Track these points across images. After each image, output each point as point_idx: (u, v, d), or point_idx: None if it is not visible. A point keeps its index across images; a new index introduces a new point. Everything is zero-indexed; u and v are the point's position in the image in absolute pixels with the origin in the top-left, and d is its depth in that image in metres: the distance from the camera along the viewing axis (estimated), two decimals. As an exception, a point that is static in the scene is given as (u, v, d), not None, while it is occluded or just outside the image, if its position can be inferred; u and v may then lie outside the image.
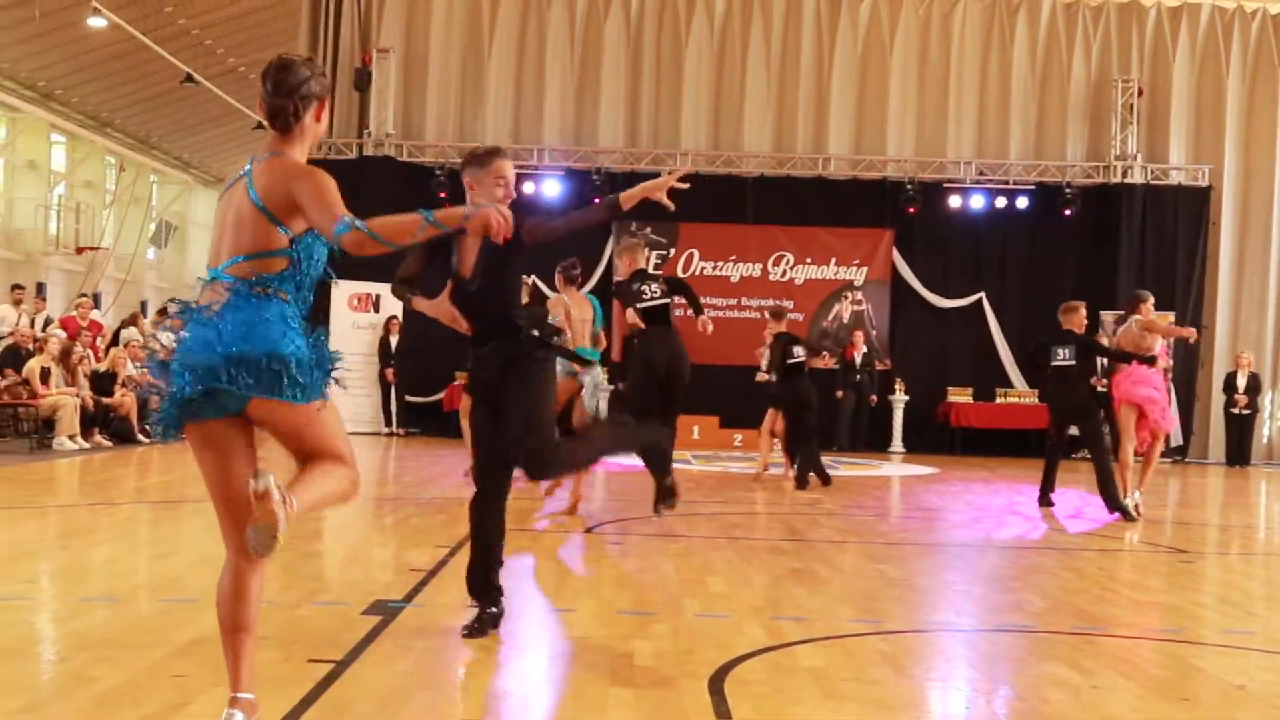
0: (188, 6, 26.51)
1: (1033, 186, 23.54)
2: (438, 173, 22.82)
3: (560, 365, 11.67)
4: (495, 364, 6.33)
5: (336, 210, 4.16)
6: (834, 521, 12.15)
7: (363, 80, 23.38)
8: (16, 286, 21.93)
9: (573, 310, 11.59)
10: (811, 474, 15.23)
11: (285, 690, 5.11)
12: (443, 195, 22.62)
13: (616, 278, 11.47)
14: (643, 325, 11.17)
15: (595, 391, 11.87)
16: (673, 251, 23.43)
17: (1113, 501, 12.89)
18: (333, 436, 4.38)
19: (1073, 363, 13.38)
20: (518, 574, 8.58)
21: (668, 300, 11.20)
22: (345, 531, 10.93)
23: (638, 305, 11.11)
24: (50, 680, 5.38)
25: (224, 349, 4.13)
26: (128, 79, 29.24)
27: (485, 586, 6.45)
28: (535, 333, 6.47)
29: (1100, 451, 13.05)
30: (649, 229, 23.42)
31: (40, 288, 26.37)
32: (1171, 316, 23.00)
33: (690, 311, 12.10)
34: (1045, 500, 13.88)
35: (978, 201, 23.46)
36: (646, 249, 11.67)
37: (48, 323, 21.28)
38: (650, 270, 11.83)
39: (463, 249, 6.34)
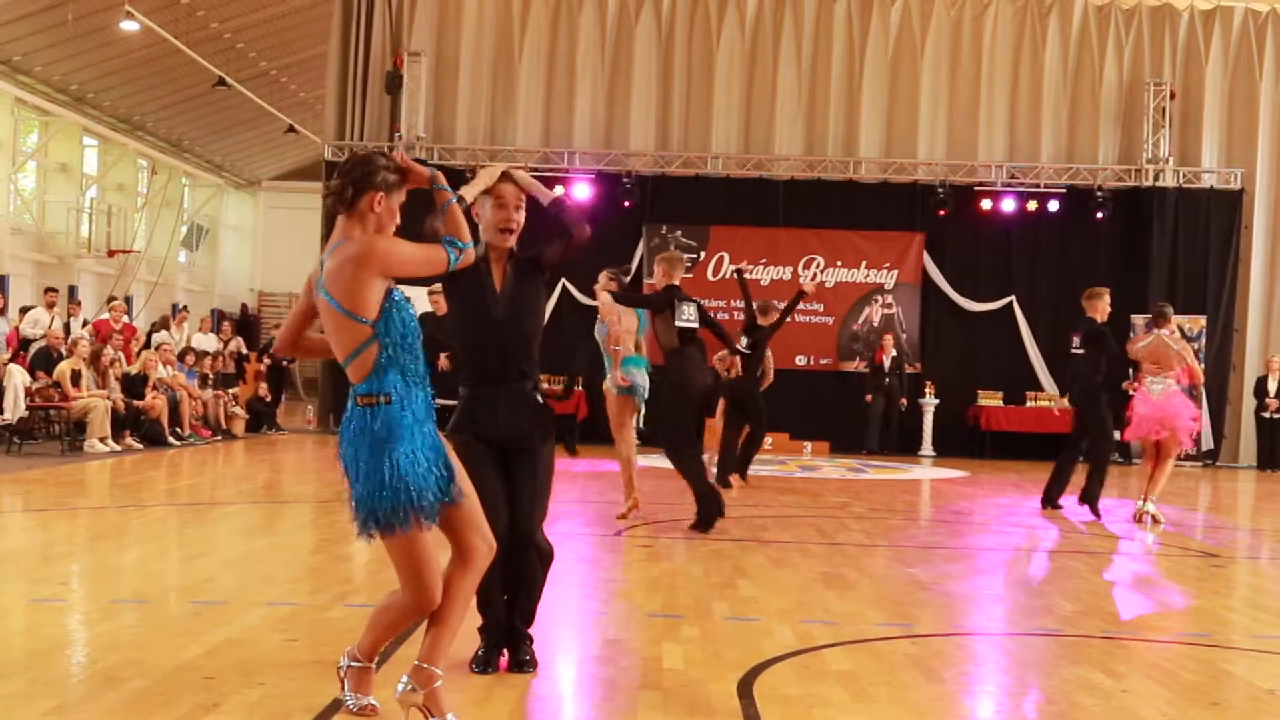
0: (220, 10, 26.61)
1: (1064, 190, 23.43)
2: (468, 176, 22.60)
3: (609, 381, 11.63)
4: (506, 430, 5.83)
5: (438, 264, 4.83)
6: (863, 525, 12.14)
7: (393, 83, 23.44)
8: (50, 289, 22.07)
9: (622, 318, 11.54)
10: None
11: (315, 693, 5.16)
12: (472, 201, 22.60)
13: (650, 283, 11.50)
14: (675, 343, 11.16)
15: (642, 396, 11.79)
16: (703, 255, 23.41)
17: (1086, 495, 13.29)
18: (468, 529, 4.93)
19: (1079, 351, 13.47)
20: (551, 576, 8.58)
21: (697, 326, 11.19)
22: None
23: (675, 323, 11.06)
24: (81, 682, 5.42)
25: (361, 508, 4.71)
26: (160, 82, 29.38)
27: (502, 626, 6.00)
28: (540, 398, 5.95)
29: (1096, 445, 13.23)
30: (679, 232, 23.43)
31: (72, 291, 26.52)
32: (1203, 321, 22.91)
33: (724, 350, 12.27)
34: (1051, 502, 13.99)
35: (1009, 204, 23.35)
36: (685, 264, 11.68)
37: (83, 324, 21.45)
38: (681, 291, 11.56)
39: (491, 271, 5.95)
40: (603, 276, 11.63)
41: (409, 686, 4.75)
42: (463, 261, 4.91)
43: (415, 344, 4.73)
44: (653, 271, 11.48)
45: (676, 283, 11.26)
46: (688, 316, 11.09)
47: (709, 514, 10.98)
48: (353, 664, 4.98)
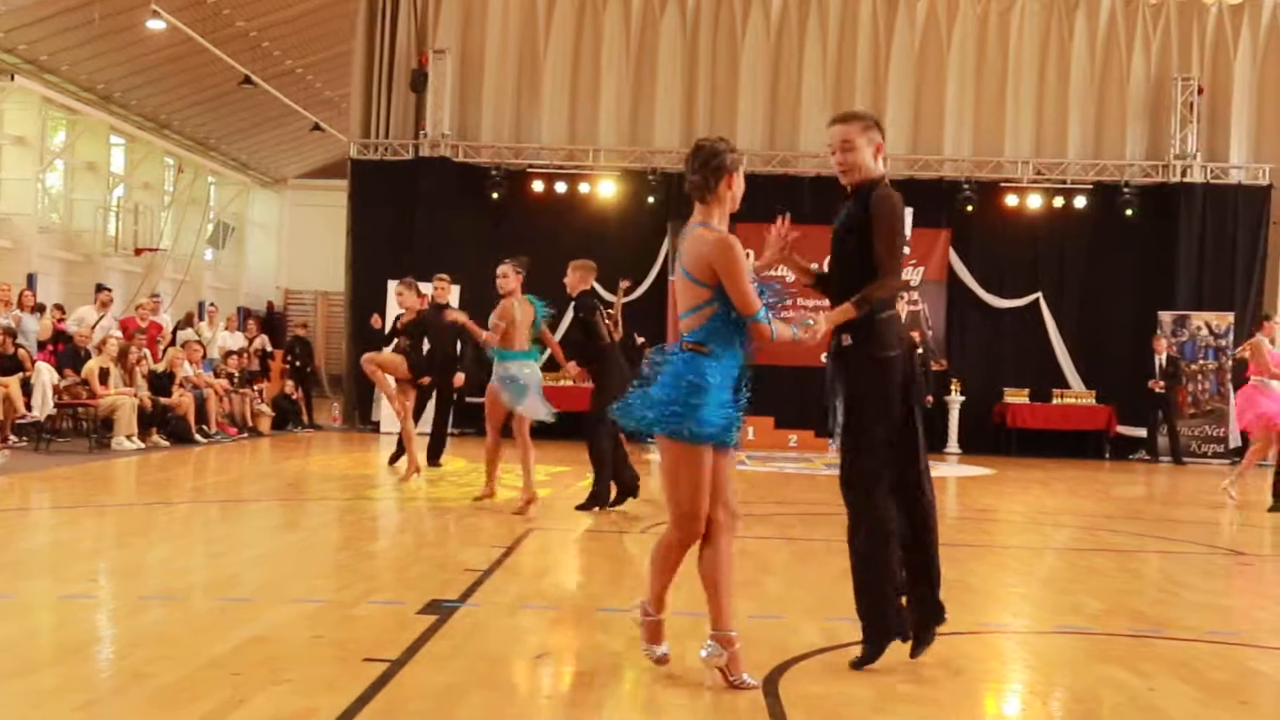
0: (246, 9, 26.66)
1: (1091, 186, 23.35)
2: (493, 173, 22.91)
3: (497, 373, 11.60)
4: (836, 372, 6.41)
5: (751, 305, 5.49)
6: (889, 522, 12.08)
7: (419, 81, 23.46)
8: (102, 288, 22.05)
9: (515, 313, 11.53)
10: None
11: (340, 689, 5.15)
12: (495, 195, 22.69)
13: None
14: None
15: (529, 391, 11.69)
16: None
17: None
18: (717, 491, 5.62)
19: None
20: (556, 574, 8.58)
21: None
22: (401, 532, 10.99)
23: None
24: (109, 678, 5.44)
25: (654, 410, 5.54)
26: (186, 81, 29.43)
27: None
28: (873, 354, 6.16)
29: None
30: (704, 229, 23.33)
31: (99, 288, 26.65)
32: (1231, 317, 22.78)
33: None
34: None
35: (1035, 201, 23.29)
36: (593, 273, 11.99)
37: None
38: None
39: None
40: (506, 268, 11.70)
41: (713, 650, 5.41)
42: (759, 328, 5.56)
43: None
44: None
45: (587, 288, 12.13)
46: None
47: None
48: (646, 618, 5.62)
